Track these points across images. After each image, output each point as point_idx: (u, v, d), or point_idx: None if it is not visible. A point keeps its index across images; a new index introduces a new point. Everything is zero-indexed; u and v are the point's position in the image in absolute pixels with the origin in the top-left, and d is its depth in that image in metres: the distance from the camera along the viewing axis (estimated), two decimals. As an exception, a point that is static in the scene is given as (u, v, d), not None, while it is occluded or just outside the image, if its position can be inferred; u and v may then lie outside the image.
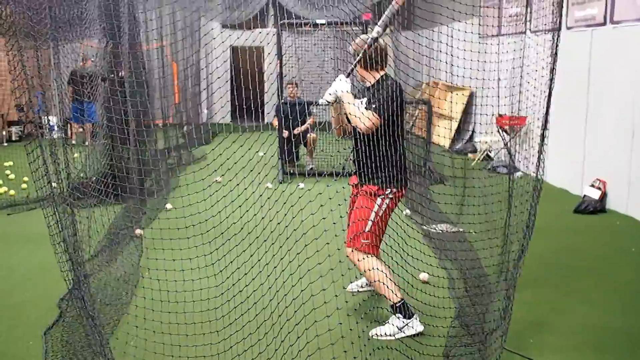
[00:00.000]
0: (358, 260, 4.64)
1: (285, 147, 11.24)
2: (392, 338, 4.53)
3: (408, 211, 7.56)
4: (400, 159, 4.69)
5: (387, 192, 4.66)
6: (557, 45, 4.48)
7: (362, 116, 4.46)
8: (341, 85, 4.51)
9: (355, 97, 4.72)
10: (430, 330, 4.59)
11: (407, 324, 4.58)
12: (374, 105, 4.53)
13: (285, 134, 11.20)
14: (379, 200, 4.67)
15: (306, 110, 11.52)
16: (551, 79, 4.46)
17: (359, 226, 4.67)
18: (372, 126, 4.48)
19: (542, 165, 4.49)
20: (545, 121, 4.48)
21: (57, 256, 4.26)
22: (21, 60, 3.75)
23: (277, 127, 11.32)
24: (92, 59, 12.35)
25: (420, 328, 4.61)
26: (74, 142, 13.04)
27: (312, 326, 4.16)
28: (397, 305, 4.61)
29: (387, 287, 4.56)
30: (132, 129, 7.79)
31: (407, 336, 4.53)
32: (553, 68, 4.45)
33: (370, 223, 4.66)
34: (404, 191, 4.79)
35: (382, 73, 4.77)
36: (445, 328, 4.59)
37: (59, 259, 4.26)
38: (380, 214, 4.67)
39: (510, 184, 5.57)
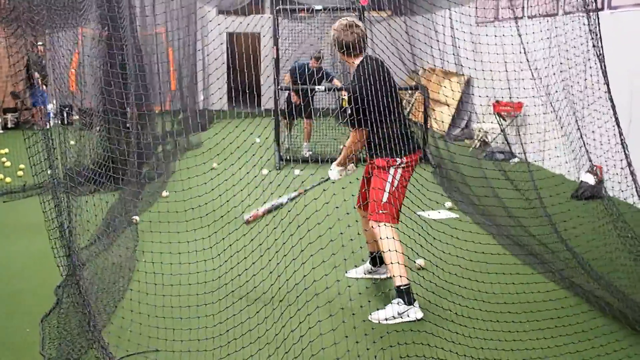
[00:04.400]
0: (380, 238, 4.72)
1: (287, 107, 11.24)
2: (390, 322, 4.53)
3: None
4: (401, 128, 4.81)
5: (397, 163, 4.79)
6: (596, 28, 4.41)
7: (353, 145, 4.88)
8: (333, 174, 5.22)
9: (343, 88, 5.02)
10: (435, 318, 4.60)
11: (406, 311, 4.59)
12: (351, 120, 4.77)
13: (295, 98, 11.22)
14: (391, 171, 4.81)
15: (324, 79, 11.39)
16: (602, 62, 4.37)
17: (377, 199, 4.81)
18: (361, 137, 4.81)
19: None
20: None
21: (52, 242, 4.25)
22: (26, 45, 3.73)
23: (289, 83, 11.24)
24: (42, 44, 12.38)
25: (419, 315, 4.61)
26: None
27: (314, 311, 4.15)
28: (401, 288, 4.62)
29: (399, 269, 4.58)
30: (129, 115, 7.76)
31: (405, 322, 4.53)
32: (597, 51, 4.38)
33: (386, 194, 4.78)
34: (415, 157, 4.91)
35: (361, 58, 4.91)
36: (450, 311, 4.59)
37: (54, 246, 4.25)
38: (395, 184, 4.81)
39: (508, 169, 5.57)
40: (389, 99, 4.75)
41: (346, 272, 5.50)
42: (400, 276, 4.61)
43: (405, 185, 4.89)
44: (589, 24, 4.66)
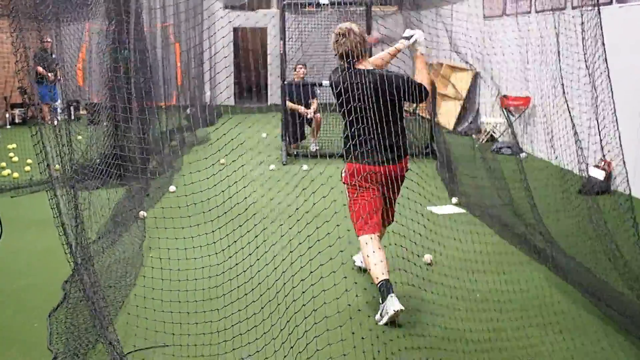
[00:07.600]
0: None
1: (291, 128, 11.22)
2: (381, 323, 4.44)
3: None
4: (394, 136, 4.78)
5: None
6: (592, 24, 4.41)
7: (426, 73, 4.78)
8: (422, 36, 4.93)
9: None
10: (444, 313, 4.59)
11: (383, 309, 4.44)
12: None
13: (307, 112, 11.29)
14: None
15: (310, 92, 11.49)
16: (605, 58, 4.36)
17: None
18: (429, 79, 4.82)
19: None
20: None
21: (61, 238, 4.25)
22: (23, 41, 3.72)
23: (291, 109, 11.31)
24: (50, 40, 12.41)
25: (395, 308, 4.36)
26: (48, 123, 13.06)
27: (320, 307, 4.14)
28: (377, 285, 4.49)
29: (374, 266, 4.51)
30: (135, 110, 7.77)
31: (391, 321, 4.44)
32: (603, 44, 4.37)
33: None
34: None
35: (362, 64, 4.79)
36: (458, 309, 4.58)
37: (62, 241, 4.25)
38: None
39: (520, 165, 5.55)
40: (380, 109, 4.62)
41: (354, 260, 5.45)
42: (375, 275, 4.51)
43: None
44: (599, 18, 4.64)
